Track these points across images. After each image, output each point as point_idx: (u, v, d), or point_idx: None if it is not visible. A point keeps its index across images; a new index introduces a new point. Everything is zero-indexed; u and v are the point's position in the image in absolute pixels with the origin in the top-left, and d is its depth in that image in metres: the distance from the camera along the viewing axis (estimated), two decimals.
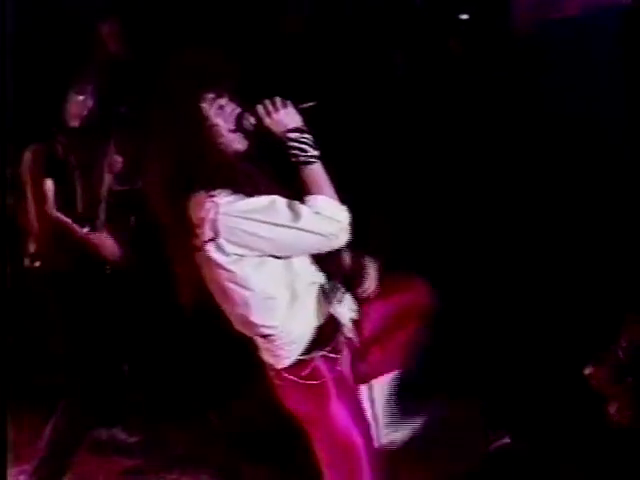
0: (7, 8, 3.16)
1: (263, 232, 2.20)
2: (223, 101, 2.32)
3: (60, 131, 3.39)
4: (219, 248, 2.21)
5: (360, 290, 2.51)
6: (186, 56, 2.36)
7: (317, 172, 2.27)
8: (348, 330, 2.48)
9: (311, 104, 2.34)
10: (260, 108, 2.30)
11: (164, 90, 2.32)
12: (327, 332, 2.39)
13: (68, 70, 3.49)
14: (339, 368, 2.40)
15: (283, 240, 2.22)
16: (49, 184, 3.38)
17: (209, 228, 2.18)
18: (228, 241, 2.19)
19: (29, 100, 3.53)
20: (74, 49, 3.70)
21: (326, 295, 2.39)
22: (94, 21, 3.64)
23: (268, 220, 2.19)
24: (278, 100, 2.29)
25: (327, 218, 2.22)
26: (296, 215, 2.20)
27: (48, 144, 3.39)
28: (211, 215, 2.17)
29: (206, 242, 2.20)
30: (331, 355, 2.38)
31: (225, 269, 2.25)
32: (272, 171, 2.33)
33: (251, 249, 2.22)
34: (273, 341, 2.36)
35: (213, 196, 2.19)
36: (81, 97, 3.34)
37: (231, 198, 2.19)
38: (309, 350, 2.35)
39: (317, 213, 2.21)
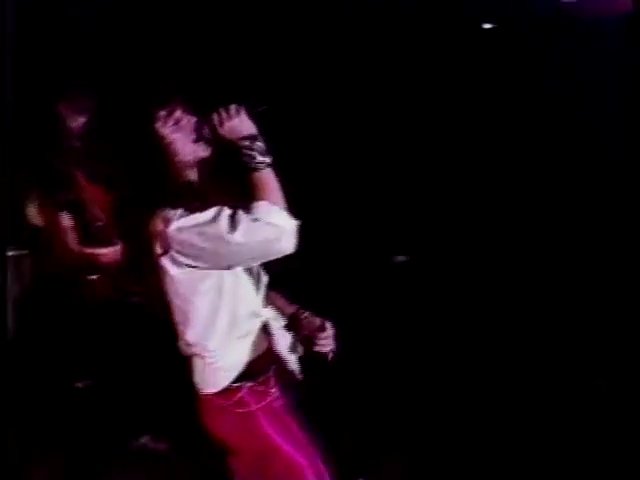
0: (7, 8, 3.10)
1: (206, 244, 2.22)
2: (177, 114, 2.33)
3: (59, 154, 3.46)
4: (172, 260, 2.27)
5: (318, 347, 2.51)
6: (129, 81, 2.40)
7: (265, 178, 2.28)
8: (292, 363, 2.50)
9: (263, 108, 2.35)
10: (215, 117, 2.32)
11: (115, 118, 2.34)
12: (260, 365, 2.41)
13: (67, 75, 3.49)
14: (264, 402, 2.40)
15: (225, 251, 2.23)
16: (66, 220, 3.47)
17: (161, 241, 2.25)
18: (180, 253, 2.25)
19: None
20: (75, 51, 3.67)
21: (269, 332, 2.43)
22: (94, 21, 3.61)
23: (210, 232, 2.22)
24: (232, 108, 2.31)
25: (266, 224, 2.21)
26: (234, 225, 2.20)
27: (50, 179, 3.48)
28: (163, 229, 2.24)
29: (160, 255, 2.27)
30: (259, 388, 2.39)
31: (176, 281, 2.30)
32: (235, 176, 2.33)
33: (200, 261, 2.26)
34: (209, 364, 2.38)
35: (167, 215, 2.25)
36: (78, 118, 3.40)
37: (182, 213, 2.24)
38: (238, 380, 2.38)
39: (256, 220, 2.21)
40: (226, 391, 2.37)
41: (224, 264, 2.28)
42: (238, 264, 2.32)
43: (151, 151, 2.30)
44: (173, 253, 2.24)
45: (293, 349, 2.51)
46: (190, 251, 2.23)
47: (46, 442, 3.70)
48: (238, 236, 2.19)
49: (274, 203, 2.24)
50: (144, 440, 3.75)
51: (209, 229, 2.21)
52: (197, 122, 2.34)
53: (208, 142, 2.34)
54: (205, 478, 3.44)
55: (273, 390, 2.43)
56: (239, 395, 2.36)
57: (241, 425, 2.38)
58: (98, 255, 3.49)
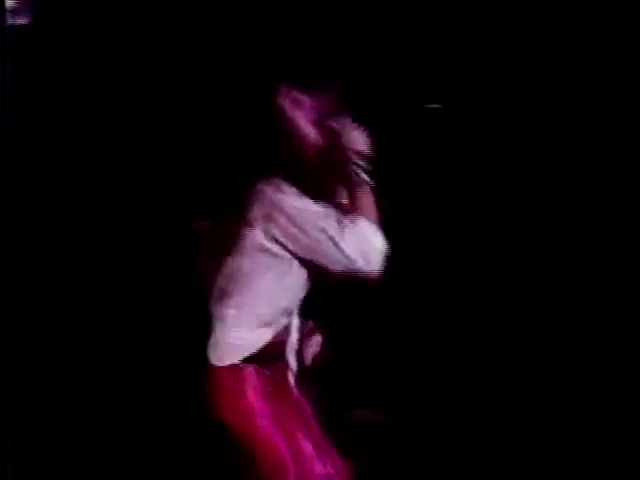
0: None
1: (311, 233, 2.32)
2: (297, 93, 2.43)
3: None
4: (265, 229, 2.34)
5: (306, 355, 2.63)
6: (257, 52, 2.50)
7: (367, 196, 2.37)
8: (292, 373, 2.54)
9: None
10: (344, 120, 2.41)
11: (241, 85, 2.49)
12: (271, 352, 2.47)
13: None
14: (266, 386, 2.45)
15: (324, 249, 2.32)
16: None
17: (263, 206, 2.33)
18: (277, 226, 2.32)
19: None
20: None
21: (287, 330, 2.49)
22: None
23: (319, 224, 2.31)
24: (361, 126, 2.41)
25: (367, 242, 2.32)
26: (342, 230, 2.30)
27: None
28: (271, 195, 2.32)
29: (253, 220, 2.33)
30: (265, 372, 2.45)
31: (254, 249, 2.37)
32: (336, 174, 2.43)
33: (294, 244, 2.34)
34: (225, 337, 2.45)
35: (280, 185, 2.33)
36: None
37: (295, 190, 2.33)
38: (247, 360, 2.44)
39: (360, 235, 2.31)
40: (232, 367, 2.44)
41: (312, 257, 2.37)
42: (324, 265, 2.38)
43: (271, 119, 2.42)
44: (271, 224, 2.33)
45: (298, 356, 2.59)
46: (291, 230, 2.32)
47: None
48: (343, 241, 2.29)
49: (372, 223, 2.34)
50: (363, 413, 3.83)
51: (319, 221, 2.30)
52: (314, 105, 2.44)
53: (323, 130, 2.43)
54: (423, 452, 3.56)
55: (280, 378, 2.50)
56: (243, 374, 2.44)
57: (238, 405, 2.45)
58: None
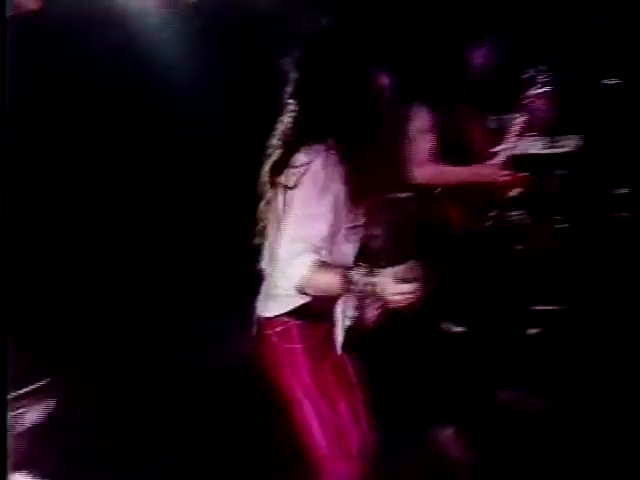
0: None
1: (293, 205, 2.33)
2: (382, 75, 2.50)
3: None
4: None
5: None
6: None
7: (331, 280, 2.31)
8: (339, 333, 2.53)
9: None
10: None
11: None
12: (316, 308, 2.44)
13: None
14: (309, 342, 2.46)
15: (294, 218, 2.33)
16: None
17: (302, 171, 2.33)
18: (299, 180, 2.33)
19: None
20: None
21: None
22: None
23: (309, 212, 2.32)
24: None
25: (291, 260, 2.30)
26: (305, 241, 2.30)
27: None
28: (313, 161, 2.33)
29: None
30: (308, 329, 2.46)
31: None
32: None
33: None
34: (272, 287, 2.44)
35: (324, 147, 2.34)
36: None
37: (327, 162, 2.33)
38: (292, 313, 2.45)
39: (300, 254, 2.29)
40: (277, 319, 2.46)
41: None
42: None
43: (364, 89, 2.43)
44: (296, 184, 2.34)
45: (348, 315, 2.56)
46: (305, 187, 2.32)
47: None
48: (287, 244, 2.31)
49: (318, 266, 2.29)
50: (514, 394, 3.66)
51: (314, 207, 2.31)
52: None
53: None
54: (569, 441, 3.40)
55: (324, 337, 2.50)
56: (286, 326, 2.45)
57: (285, 362, 2.46)
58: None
